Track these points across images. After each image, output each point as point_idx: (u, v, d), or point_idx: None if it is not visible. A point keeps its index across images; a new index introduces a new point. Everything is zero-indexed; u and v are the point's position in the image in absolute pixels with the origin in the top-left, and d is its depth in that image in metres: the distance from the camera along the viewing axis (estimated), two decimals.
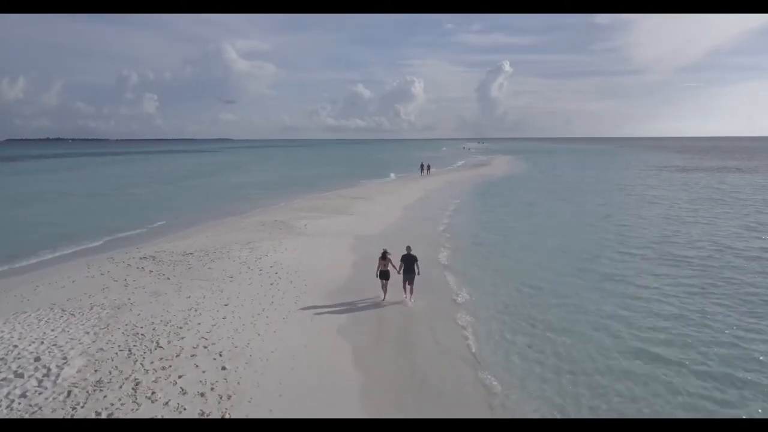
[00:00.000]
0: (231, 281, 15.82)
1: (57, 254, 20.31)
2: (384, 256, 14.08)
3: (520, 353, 11.26)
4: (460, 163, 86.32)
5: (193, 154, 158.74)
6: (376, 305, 14.39)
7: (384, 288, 14.21)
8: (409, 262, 13.99)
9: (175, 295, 14.27)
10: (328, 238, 22.49)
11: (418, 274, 14.12)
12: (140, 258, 18.33)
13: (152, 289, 14.81)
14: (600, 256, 18.96)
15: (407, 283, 14.11)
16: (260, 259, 18.36)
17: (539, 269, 17.54)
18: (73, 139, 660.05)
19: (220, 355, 10.57)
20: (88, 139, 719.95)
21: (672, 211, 29.31)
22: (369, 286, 15.71)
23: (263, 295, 14.59)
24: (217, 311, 13.14)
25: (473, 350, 11.34)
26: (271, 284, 15.64)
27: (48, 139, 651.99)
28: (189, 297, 14.15)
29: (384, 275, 14.08)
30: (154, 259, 18.15)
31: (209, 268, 17.18)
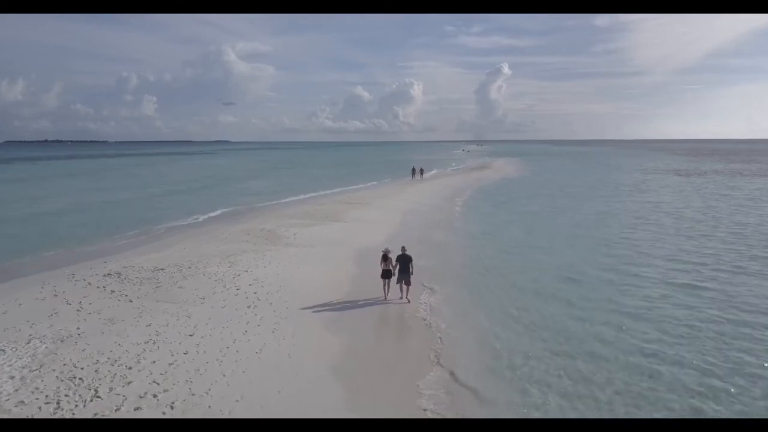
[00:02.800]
0: (202, 304, 13.85)
1: (14, 269, 18.16)
2: (385, 257, 14.41)
3: (516, 361, 9.93)
4: (458, 166, 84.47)
5: (192, 156, 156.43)
6: (371, 331, 12.71)
7: (386, 287, 14.49)
8: (404, 262, 14.32)
9: (134, 323, 12.28)
10: (318, 248, 20.53)
11: (412, 273, 14.44)
12: (104, 275, 16.31)
13: (108, 314, 12.81)
14: (609, 280, 16.55)
15: (403, 282, 14.39)
16: (239, 275, 16.39)
17: (544, 286, 15.70)
18: (72, 141, 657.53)
19: (172, 408, 8.59)
20: (87, 141, 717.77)
21: (685, 223, 26.59)
22: (362, 306, 14.08)
23: (237, 321, 12.62)
24: (179, 344, 11.16)
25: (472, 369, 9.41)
26: (248, 307, 13.67)
27: (47, 141, 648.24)
28: (149, 325, 12.17)
29: (386, 274, 14.43)
30: (119, 276, 16.14)
31: (180, 287, 15.19)
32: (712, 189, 43.01)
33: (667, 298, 14.56)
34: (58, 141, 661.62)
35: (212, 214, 31.08)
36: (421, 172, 55.90)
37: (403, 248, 14.70)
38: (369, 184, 51.06)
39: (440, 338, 12.02)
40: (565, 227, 25.87)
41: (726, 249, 20.26)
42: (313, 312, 13.52)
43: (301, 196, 40.41)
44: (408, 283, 14.38)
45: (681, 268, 17.70)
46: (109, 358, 10.28)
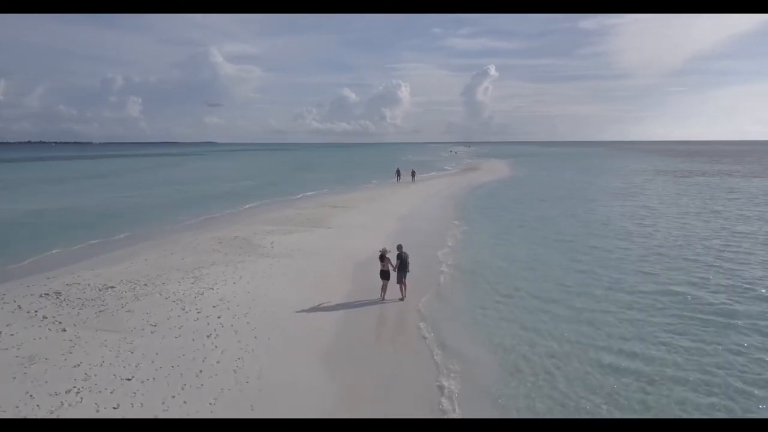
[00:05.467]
0: (152, 333, 11.41)
1: None
2: (382, 257, 14.22)
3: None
4: (450, 167, 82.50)
5: (177, 157, 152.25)
6: (363, 358, 10.59)
7: (384, 288, 14.23)
8: (403, 260, 14.28)
9: (59, 362, 9.81)
10: (297, 259, 18.17)
11: (409, 271, 14.41)
12: (41, 295, 13.75)
13: (30, 350, 10.31)
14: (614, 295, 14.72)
15: (402, 280, 14.24)
16: (202, 294, 13.96)
17: (547, 302, 13.50)
18: (55, 143, 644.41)
19: None
20: (71, 143, 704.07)
21: (684, 229, 24.39)
22: (349, 327, 12.10)
23: (191, 357, 10.21)
24: (111, 393, 8.73)
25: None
26: (208, 336, 11.28)
27: (30, 143, 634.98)
28: (78, 365, 9.70)
29: (384, 275, 14.23)
30: (58, 297, 13.59)
31: (128, 310, 12.72)
32: (706, 192, 41.00)
33: (661, 310, 12.44)
34: (41, 142, 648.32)
35: (184, 220, 28.39)
36: (413, 174, 53.60)
37: (399, 247, 14.64)
38: (358, 186, 48.61)
39: (445, 368, 9.74)
40: (563, 232, 23.70)
41: (733, 260, 18.17)
42: (288, 341, 11.20)
43: (282, 199, 37.95)
44: (405, 279, 14.32)
45: (684, 278, 15.65)
46: (10, 417, 7.80)
